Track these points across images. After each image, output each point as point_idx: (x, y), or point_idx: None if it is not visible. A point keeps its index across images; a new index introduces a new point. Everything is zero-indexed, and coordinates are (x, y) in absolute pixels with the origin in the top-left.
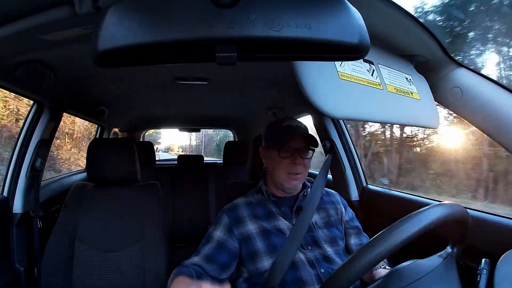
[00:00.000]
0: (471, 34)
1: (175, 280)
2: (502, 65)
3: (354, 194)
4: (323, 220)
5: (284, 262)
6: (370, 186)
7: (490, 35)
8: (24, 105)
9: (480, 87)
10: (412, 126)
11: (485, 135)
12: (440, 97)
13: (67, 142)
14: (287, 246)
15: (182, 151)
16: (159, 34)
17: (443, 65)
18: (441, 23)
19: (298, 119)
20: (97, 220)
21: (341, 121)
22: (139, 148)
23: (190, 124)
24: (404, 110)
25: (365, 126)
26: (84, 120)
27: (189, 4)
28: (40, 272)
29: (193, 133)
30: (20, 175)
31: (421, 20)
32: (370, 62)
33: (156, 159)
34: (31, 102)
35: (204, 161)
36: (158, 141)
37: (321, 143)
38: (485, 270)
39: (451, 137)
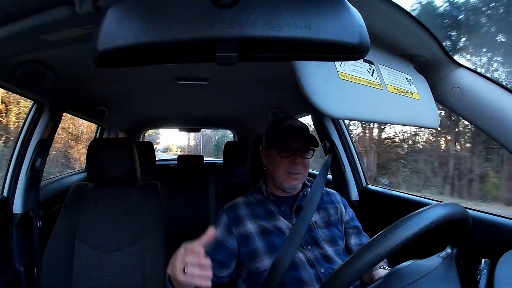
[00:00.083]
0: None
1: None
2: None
3: (354, 194)
4: (323, 220)
5: (284, 261)
6: (370, 186)
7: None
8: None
9: (480, 87)
10: (412, 126)
11: (452, 137)
12: (440, 97)
13: (78, 142)
14: (286, 245)
15: (180, 151)
16: (159, 34)
17: (443, 65)
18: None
19: (298, 119)
20: (97, 220)
21: (341, 121)
22: (139, 148)
23: (190, 124)
24: (404, 110)
25: (349, 128)
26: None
27: (189, 4)
28: (40, 272)
29: (192, 133)
30: (20, 175)
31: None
32: (370, 62)
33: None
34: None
35: (204, 161)
36: (157, 141)
37: (321, 143)
38: (485, 270)
39: (426, 139)
